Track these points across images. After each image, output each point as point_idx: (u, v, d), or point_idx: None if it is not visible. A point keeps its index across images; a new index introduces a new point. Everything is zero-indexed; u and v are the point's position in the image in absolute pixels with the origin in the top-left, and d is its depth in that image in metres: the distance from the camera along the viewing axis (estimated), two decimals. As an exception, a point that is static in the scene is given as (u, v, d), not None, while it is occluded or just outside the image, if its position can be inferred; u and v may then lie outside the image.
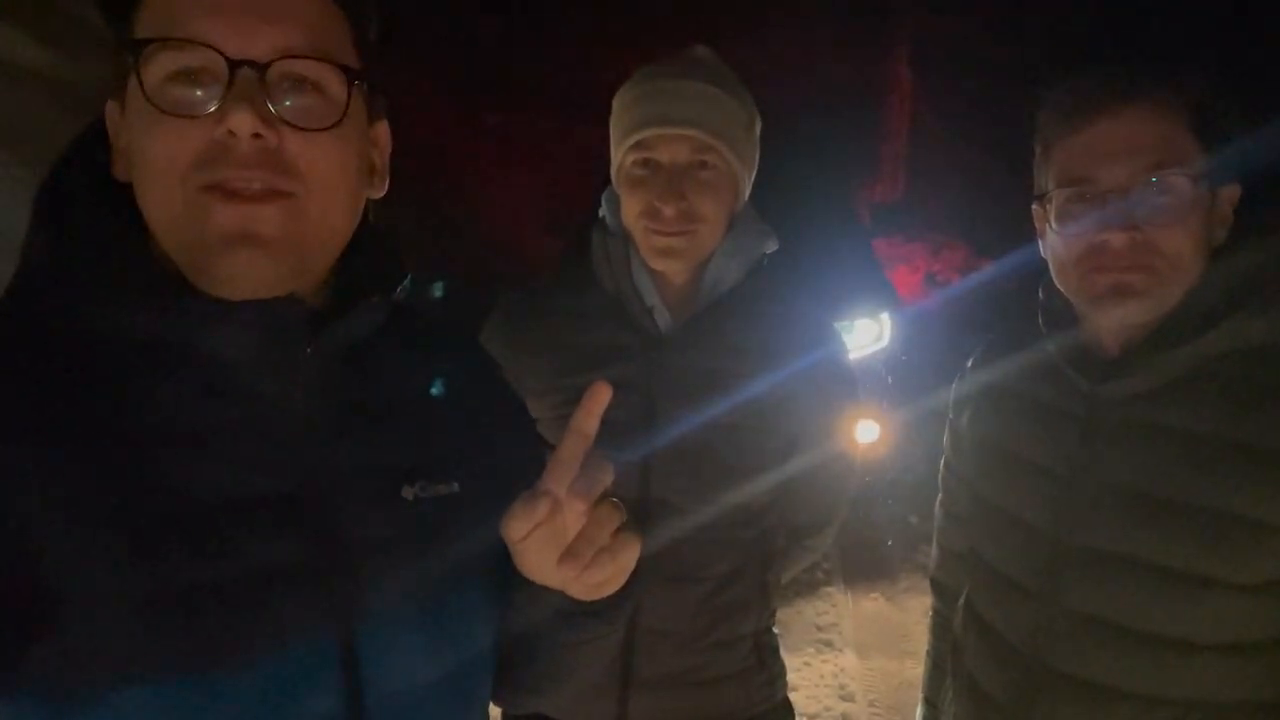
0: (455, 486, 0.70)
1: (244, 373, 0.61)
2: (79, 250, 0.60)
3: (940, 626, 1.33)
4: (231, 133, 0.56)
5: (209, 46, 0.56)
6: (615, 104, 1.22)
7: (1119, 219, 0.92)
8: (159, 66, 0.57)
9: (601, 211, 1.28)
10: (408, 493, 0.67)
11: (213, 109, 0.56)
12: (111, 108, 0.63)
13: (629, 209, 1.19)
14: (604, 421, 1.16)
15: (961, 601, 1.21)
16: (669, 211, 1.14)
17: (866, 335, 4.15)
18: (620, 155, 1.19)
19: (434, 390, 0.74)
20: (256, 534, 0.59)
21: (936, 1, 6.35)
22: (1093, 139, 0.94)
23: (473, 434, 0.75)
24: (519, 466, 0.79)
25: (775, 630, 1.38)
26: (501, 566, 0.72)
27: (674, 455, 1.17)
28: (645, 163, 1.16)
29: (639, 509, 1.19)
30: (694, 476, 1.19)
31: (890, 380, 4.27)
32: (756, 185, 1.29)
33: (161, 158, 0.57)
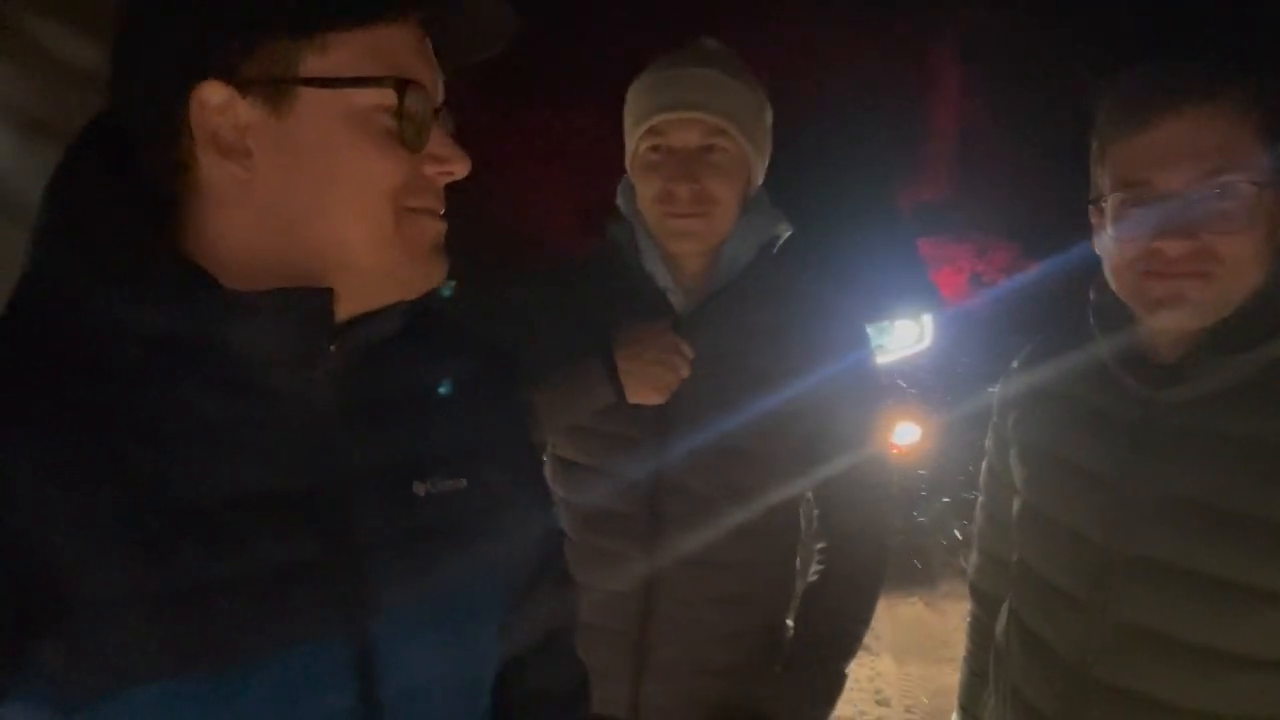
0: (463, 482, 0.71)
1: (265, 369, 0.61)
2: (95, 245, 0.58)
3: (978, 633, 1.30)
4: (453, 172, 0.65)
5: (428, 91, 0.63)
6: (629, 95, 1.25)
7: (1176, 225, 0.88)
8: (380, 98, 0.60)
9: (618, 200, 1.31)
10: (419, 489, 0.67)
11: (422, 145, 0.63)
12: (226, 94, 0.57)
13: (644, 194, 1.21)
14: (620, 404, 1.17)
15: (1005, 610, 1.18)
16: (682, 193, 1.16)
17: (907, 336, 4.09)
18: (634, 143, 1.22)
19: (443, 388, 0.74)
20: (271, 531, 0.59)
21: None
22: (1152, 141, 0.90)
23: (480, 431, 0.75)
24: (522, 464, 0.81)
25: (789, 622, 1.36)
26: (512, 562, 0.74)
27: (689, 438, 1.18)
28: (657, 148, 1.19)
29: (654, 492, 1.20)
30: (709, 461, 1.19)
31: (931, 382, 4.20)
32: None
33: (383, 181, 0.61)
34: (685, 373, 1.17)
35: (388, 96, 0.60)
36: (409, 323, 0.71)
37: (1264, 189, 0.87)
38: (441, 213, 0.66)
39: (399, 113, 0.60)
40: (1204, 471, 0.92)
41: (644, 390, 1.16)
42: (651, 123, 1.18)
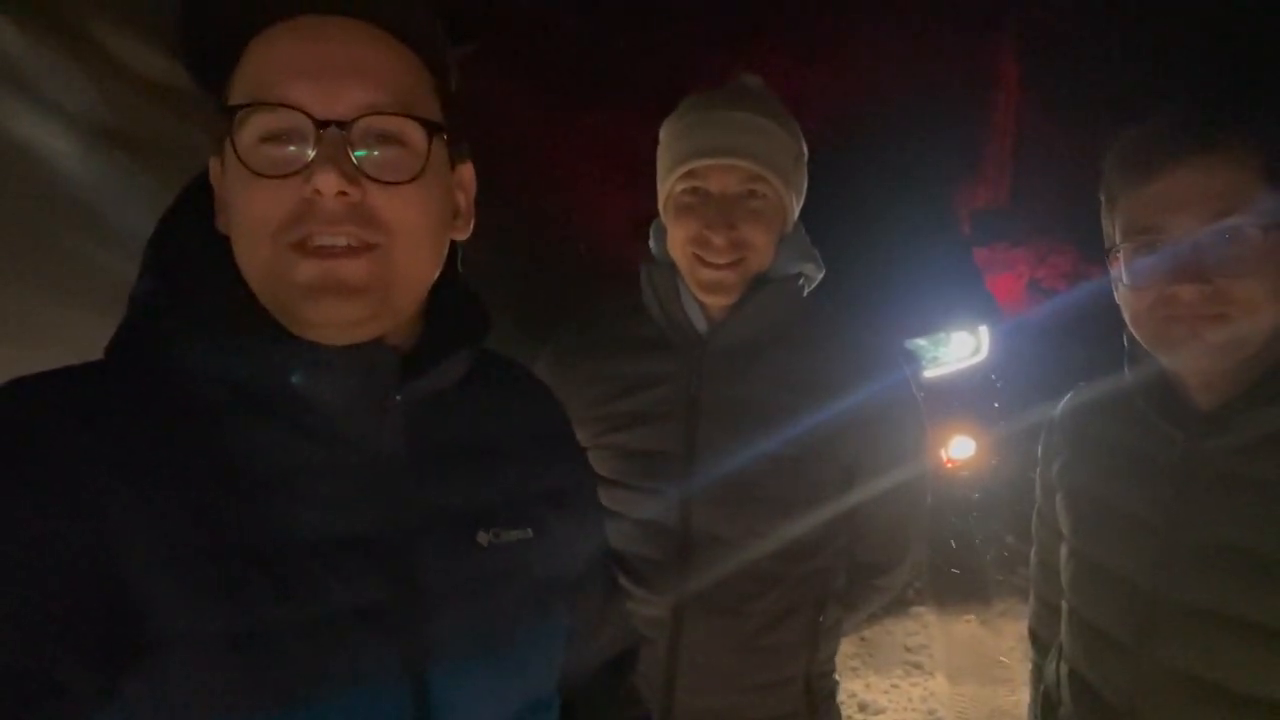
0: (529, 532, 0.72)
1: (335, 417, 0.63)
2: (182, 296, 0.61)
3: (1039, 680, 1.29)
4: (318, 191, 0.58)
5: (296, 109, 0.59)
6: (664, 134, 1.21)
7: (1188, 269, 0.89)
8: (251, 130, 0.59)
9: (650, 242, 1.27)
10: (482, 539, 0.68)
11: (300, 168, 0.59)
12: (214, 164, 0.65)
13: (676, 235, 1.17)
14: (647, 453, 1.16)
15: (1054, 653, 1.18)
16: (719, 240, 1.12)
17: (963, 349, 4.00)
18: (670, 184, 1.18)
19: (509, 436, 0.75)
20: (339, 576, 0.60)
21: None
22: (1159, 190, 0.92)
23: (546, 479, 0.76)
24: (586, 511, 0.82)
25: (836, 677, 1.32)
26: (575, 608, 0.75)
27: (717, 484, 1.15)
28: (695, 191, 1.15)
29: (681, 539, 1.17)
30: (736, 506, 1.16)
31: (987, 395, 4.11)
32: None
33: (255, 216, 0.59)
34: None
35: (254, 128, 0.59)
36: (471, 370, 0.72)
37: (1270, 231, 0.87)
38: (330, 243, 0.59)
39: (234, 142, 0.59)
40: (1248, 518, 0.91)
41: None
42: (690, 166, 1.14)
